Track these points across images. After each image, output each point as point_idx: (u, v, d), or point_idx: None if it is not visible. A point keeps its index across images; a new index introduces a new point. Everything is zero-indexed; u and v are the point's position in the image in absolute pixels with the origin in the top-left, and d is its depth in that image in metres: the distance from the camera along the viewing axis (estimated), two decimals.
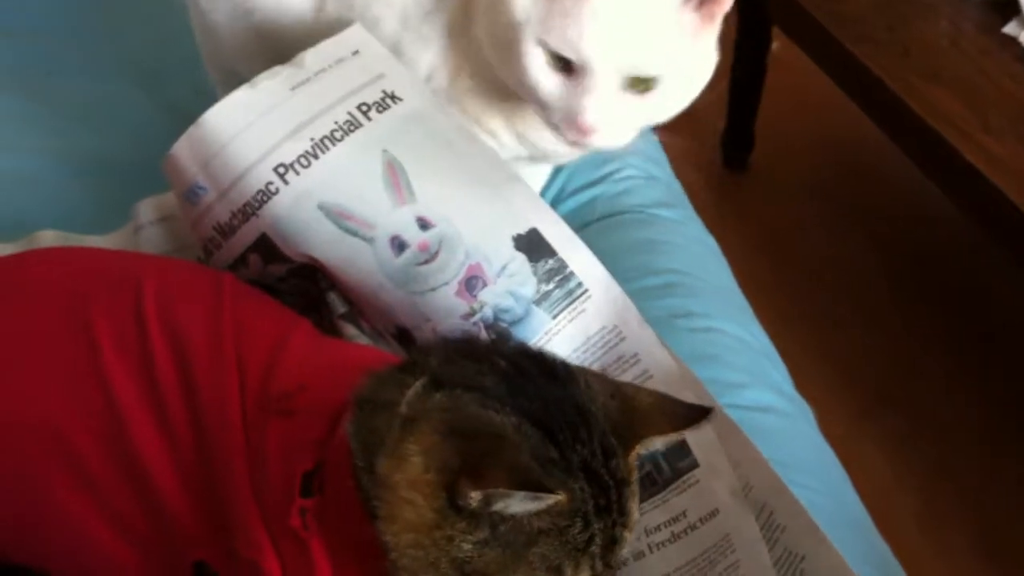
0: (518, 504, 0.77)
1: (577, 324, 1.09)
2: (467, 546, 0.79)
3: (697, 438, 1.04)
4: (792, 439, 1.16)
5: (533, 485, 0.76)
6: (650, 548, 1.01)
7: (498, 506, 0.77)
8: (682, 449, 1.04)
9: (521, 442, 0.79)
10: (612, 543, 0.83)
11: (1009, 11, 1.86)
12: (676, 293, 1.27)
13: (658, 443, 0.87)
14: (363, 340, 1.14)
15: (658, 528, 1.01)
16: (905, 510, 1.90)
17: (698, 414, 0.88)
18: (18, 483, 0.95)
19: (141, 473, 0.92)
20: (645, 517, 1.02)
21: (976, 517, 1.88)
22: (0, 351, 0.97)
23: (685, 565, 0.99)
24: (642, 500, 1.02)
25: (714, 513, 1.00)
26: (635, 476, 0.85)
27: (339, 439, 0.86)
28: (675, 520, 1.01)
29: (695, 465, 1.03)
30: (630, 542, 0.85)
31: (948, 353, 2.14)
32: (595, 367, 1.11)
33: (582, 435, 0.82)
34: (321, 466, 0.87)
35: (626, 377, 1.09)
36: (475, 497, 0.77)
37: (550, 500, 0.77)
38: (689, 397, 1.03)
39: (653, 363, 1.09)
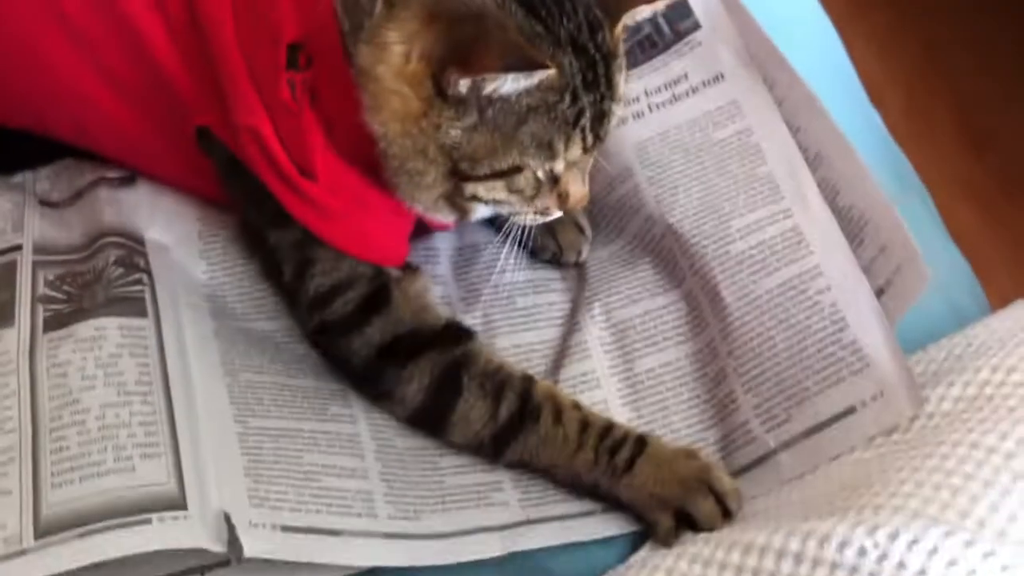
0: (509, 84, 0.77)
1: None
2: (455, 132, 0.79)
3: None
4: (791, 11, 1.13)
5: (523, 62, 0.75)
6: (649, 108, 1.02)
7: (488, 89, 0.77)
8: (684, 8, 1.02)
9: (505, 19, 0.77)
10: (601, 116, 0.83)
11: None
12: None
13: (646, 12, 0.85)
14: None
15: (658, 90, 1.02)
16: (893, 104, 1.91)
17: None
18: (13, 45, 0.94)
19: (133, 33, 0.91)
20: (644, 80, 1.02)
21: (960, 106, 1.90)
22: None
23: (685, 124, 1.00)
24: (641, 63, 1.02)
25: (718, 77, 1.01)
26: (621, 49, 0.84)
27: (325, 4, 0.84)
28: (675, 82, 1.02)
29: (697, 26, 1.02)
30: (618, 114, 0.85)
31: None
32: None
33: (567, 8, 0.80)
34: (308, 39, 0.85)
35: None
36: (464, 84, 0.76)
37: (541, 75, 0.76)
38: None
39: None
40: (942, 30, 1.98)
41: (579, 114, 0.81)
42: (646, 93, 1.02)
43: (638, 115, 1.01)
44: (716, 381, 0.93)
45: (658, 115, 1.01)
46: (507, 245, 0.92)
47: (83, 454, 0.82)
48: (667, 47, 1.02)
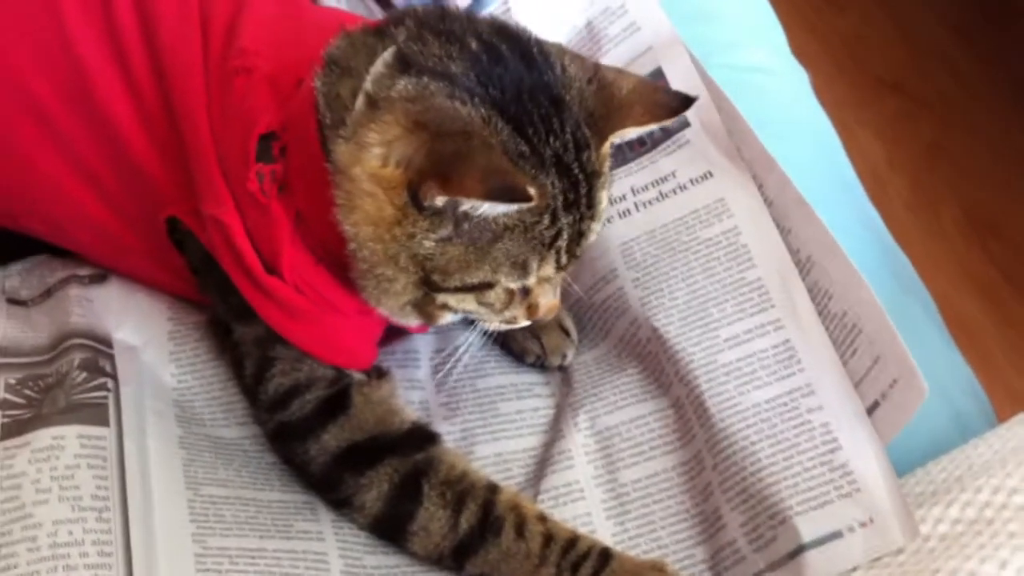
0: (488, 207, 0.74)
1: None
2: (429, 243, 0.77)
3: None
4: (784, 101, 1.12)
5: (506, 190, 0.73)
6: (636, 206, 0.99)
7: (466, 207, 0.74)
8: None
9: (491, 138, 0.75)
10: (579, 236, 0.81)
11: None
12: None
13: (633, 133, 0.83)
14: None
15: (645, 188, 0.99)
16: (896, 192, 1.89)
17: (680, 103, 0.83)
18: None
19: (109, 128, 0.90)
20: (631, 178, 0.99)
21: (964, 196, 1.88)
22: None
23: (672, 222, 0.97)
24: (628, 160, 1.00)
25: (707, 175, 0.97)
26: (607, 167, 0.82)
27: (305, 94, 0.82)
28: (663, 180, 0.99)
29: (686, 125, 0.99)
30: (597, 232, 0.83)
31: (957, 37, 2.06)
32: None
33: (554, 127, 0.77)
34: (284, 129, 0.83)
35: (612, 30, 1.04)
36: (442, 199, 0.74)
37: (522, 204, 0.74)
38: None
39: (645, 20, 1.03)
40: (949, 121, 1.97)
41: (556, 235, 0.79)
42: (633, 191, 0.99)
43: (624, 213, 0.98)
44: (703, 495, 0.88)
45: (645, 214, 0.98)
46: (485, 345, 0.88)
47: (32, 572, 0.78)
48: (655, 145, 0.99)
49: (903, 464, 0.83)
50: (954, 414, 0.93)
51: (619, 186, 0.98)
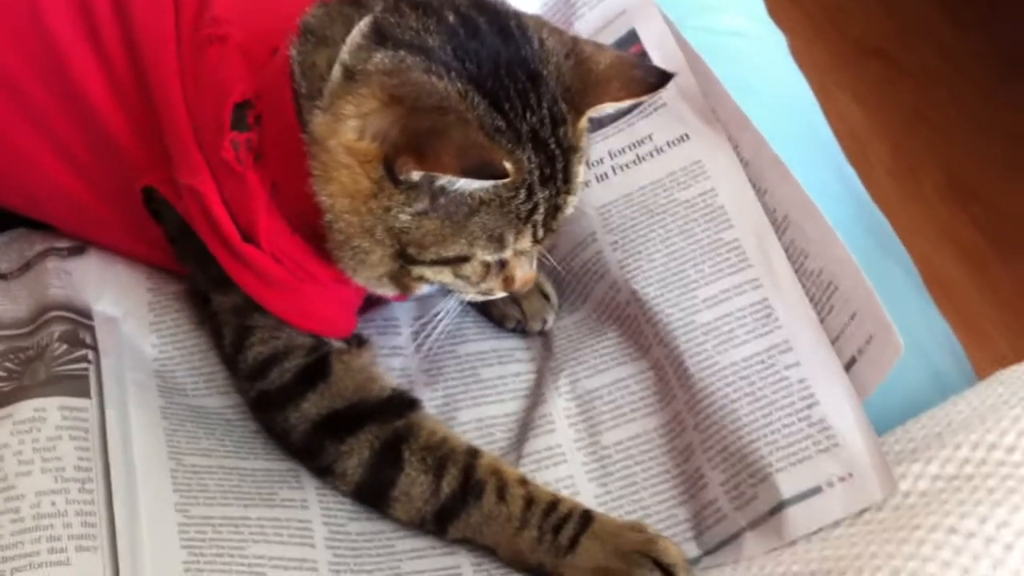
0: (463, 182, 0.74)
1: None
2: (404, 216, 0.76)
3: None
4: (760, 64, 1.12)
5: (481, 166, 0.72)
6: (613, 170, 0.99)
7: (442, 182, 0.74)
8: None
9: (467, 113, 0.75)
10: (555, 210, 0.81)
11: None
12: None
13: (610, 109, 0.83)
14: None
15: (622, 151, 0.99)
16: (877, 159, 1.89)
17: (657, 79, 0.83)
18: None
19: (81, 100, 0.89)
20: (608, 141, 0.99)
21: (946, 163, 1.88)
22: None
23: (649, 185, 0.97)
24: (605, 124, 0.99)
25: (683, 138, 0.97)
26: (584, 141, 0.82)
27: (280, 62, 0.81)
28: (640, 143, 0.99)
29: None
30: (574, 204, 0.82)
31: (941, 8, 2.06)
32: None
33: (531, 101, 0.77)
34: (259, 97, 0.83)
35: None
36: (417, 175, 0.74)
37: (498, 180, 0.74)
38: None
39: None
40: (931, 90, 1.97)
41: (532, 209, 0.79)
42: (610, 155, 0.99)
43: (602, 177, 0.98)
44: (684, 456, 0.88)
45: (622, 177, 0.98)
46: (465, 311, 0.88)
47: (15, 543, 0.78)
48: (632, 108, 0.99)
49: (883, 422, 0.84)
50: (933, 373, 0.93)
51: (596, 150, 0.98)
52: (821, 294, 0.86)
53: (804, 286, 0.88)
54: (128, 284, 0.97)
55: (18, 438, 0.83)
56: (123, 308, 0.95)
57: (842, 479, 0.80)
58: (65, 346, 0.90)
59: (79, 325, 0.92)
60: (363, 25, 0.78)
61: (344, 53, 0.77)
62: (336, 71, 0.77)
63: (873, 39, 2.04)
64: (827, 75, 1.90)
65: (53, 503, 0.80)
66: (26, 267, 0.98)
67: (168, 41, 0.87)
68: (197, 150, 0.84)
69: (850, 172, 1.11)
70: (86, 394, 0.86)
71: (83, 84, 0.89)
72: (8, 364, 0.89)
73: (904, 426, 0.83)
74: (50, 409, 0.84)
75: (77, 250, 0.98)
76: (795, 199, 0.89)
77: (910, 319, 0.88)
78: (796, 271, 0.89)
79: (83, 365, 0.88)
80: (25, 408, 0.84)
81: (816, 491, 0.81)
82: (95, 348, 0.90)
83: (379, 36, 0.77)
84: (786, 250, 0.90)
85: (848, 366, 0.83)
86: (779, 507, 0.81)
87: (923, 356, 0.92)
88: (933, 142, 1.90)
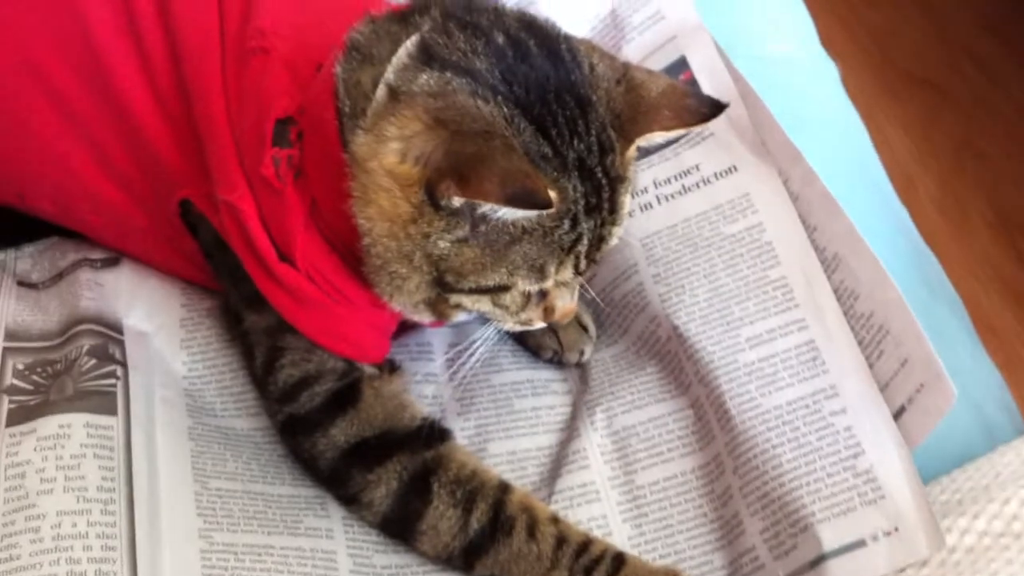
0: (507, 211, 0.72)
1: None
2: (444, 243, 0.75)
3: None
4: (812, 95, 1.09)
5: (526, 195, 0.70)
6: (658, 200, 0.96)
7: (484, 209, 0.72)
8: None
9: (512, 139, 0.73)
10: (599, 241, 0.78)
11: None
12: None
13: (660, 138, 0.81)
14: None
15: (668, 180, 0.97)
16: (925, 192, 1.86)
17: (710, 109, 0.81)
18: (4, 121, 0.91)
19: (122, 107, 0.88)
20: (654, 170, 0.97)
21: (995, 197, 1.84)
22: None
23: (694, 217, 0.95)
24: (651, 152, 0.97)
25: (731, 170, 0.95)
26: (631, 171, 0.79)
27: (324, 79, 0.80)
28: (686, 173, 0.96)
29: None
30: (618, 235, 0.80)
31: (991, 35, 2.02)
32: None
33: (579, 128, 0.75)
34: (301, 113, 0.81)
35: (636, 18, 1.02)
36: (459, 201, 0.72)
37: (541, 209, 0.72)
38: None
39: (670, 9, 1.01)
40: (980, 120, 1.93)
41: (576, 240, 0.77)
42: (655, 184, 0.96)
43: (646, 207, 0.96)
44: (723, 500, 0.86)
45: (667, 207, 0.96)
46: (501, 340, 0.86)
47: (34, 564, 0.77)
48: (679, 137, 0.96)
49: (928, 471, 0.81)
50: (982, 421, 0.90)
51: (641, 179, 0.96)
52: (871, 338, 0.84)
53: (853, 329, 0.85)
54: (161, 299, 0.96)
55: (41, 455, 0.82)
56: (155, 323, 0.94)
57: (887, 533, 0.77)
58: (94, 360, 0.88)
59: (109, 339, 0.91)
60: (410, 44, 0.76)
61: (389, 73, 0.76)
62: (381, 91, 0.75)
63: (922, 68, 2.00)
64: (875, 104, 1.87)
65: (74, 524, 0.78)
66: (58, 277, 0.97)
67: (212, 52, 0.86)
68: (237, 165, 0.83)
69: (900, 208, 1.08)
70: (113, 411, 0.85)
71: (126, 93, 0.88)
72: (35, 377, 0.88)
73: (951, 475, 0.81)
74: (75, 426, 0.83)
75: (111, 262, 0.97)
76: (846, 237, 0.87)
77: (959, 364, 0.85)
78: (845, 313, 0.86)
79: (111, 381, 0.87)
80: (50, 424, 0.83)
81: (860, 544, 0.78)
82: (124, 364, 0.89)
83: (426, 56, 0.76)
84: (835, 291, 0.87)
85: (897, 415, 0.80)
86: (820, 559, 0.79)
87: (971, 403, 0.89)
88: (981, 175, 1.87)
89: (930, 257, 1.04)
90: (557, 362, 0.97)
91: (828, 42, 1.20)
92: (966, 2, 2.07)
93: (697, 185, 0.95)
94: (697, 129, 0.89)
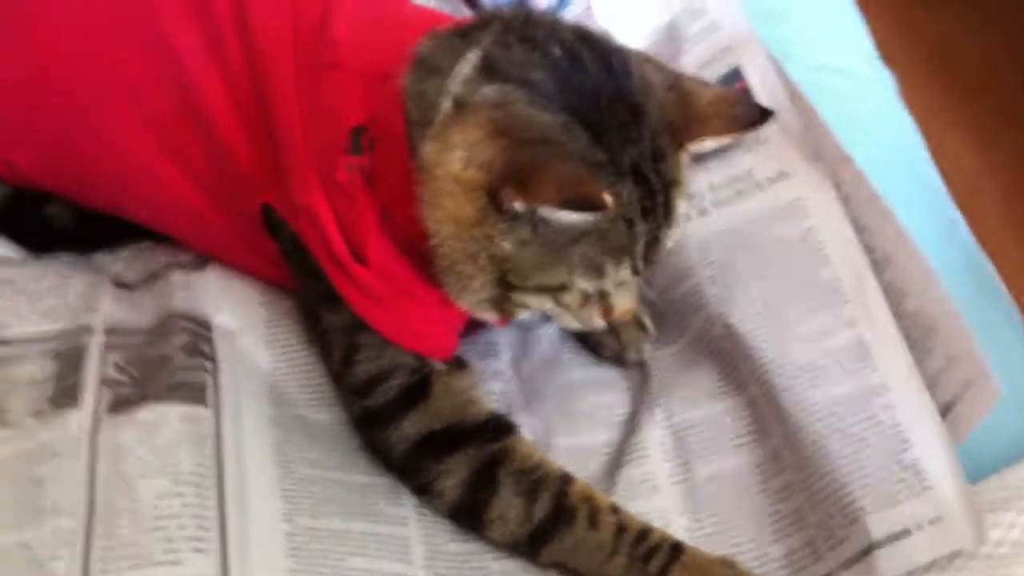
0: (564, 214, 0.77)
1: None
2: (506, 244, 0.79)
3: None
4: (867, 104, 1.11)
5: (581, 199, 0.75)
6: (713, 204, 1.00)
7: (543, 213, 0.77)
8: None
9: (569, 145, 0.77)
10: (654, 242, 0.83)
11: None
12: None
13: (711, 144, 0.85)
14: None
15: (722, 185, 1.00)
16: (991, 203, 1.85)
17: (758, 117, 0.85)
18: (88, 123, 0.97)
19: (201, 111, 0.94)
20: (709, 174, 1.01)
21: None
22: None
23: (748, 221, 0.98)
24: (706, 157, 1.00)
25: (784, 175, 0.99)
26: (685, 175, 0.83)
27: (393, 90, 0.85)
28: (740, 178, 1.00)
29: None
30: (675, 238, 0.84)
31: None
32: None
33: (633, 135, 0.79)
34: (373, 123, 0.87)
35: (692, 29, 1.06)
36: (519, 205, 0.77)
37: (597, 212, 0.76)
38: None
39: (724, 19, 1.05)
40: None
41: (632, 241, 0.81)
42: (710, 188, 1.00)
43: (702, 212, 1.00)
44: (782, 495, 0.89)
45: (721, 211, 0.99)
46: (563, 340, 0.89)
47: (133, 543, 0.82)
48: (732, 143, 0.99)
49: (979, 470, 0.83)
50: None
51: (696, 183, 0.99)
52: (919, 336, 0.87)
53: (901, 327, 0.88)
54: (245, 299, 1.01)
55: (139, 441, 0.87)
56: (240, 322, 0.99)
57: (931, 522, 0.80)
58: (186, 355, 0.94)
59: (199, 336, 0.96)
60: (473, 58, 0.81)
61: (454, 85, 0.81)
62: (446, 102, 0.80)
63: (988, 78, 2.00)
64: (942, 115, 1.87)
65: (170, 505, 0.84)
66: (151, 278, 1.03)
67: (287, 62, 0.91)
68: (313, 171, 0.88)
69: (956, 216, 1.09)
70: (204, 402, 0.91)
71: (205, 98, 0.93)
72: (132, 370, 0.94)
73: (1000, 474, 0.83)
74: (170, 415, 0.89)
75: (199, 264, 1.03)
76: (895, 238, 0.90)
77: (1011, 366, 0.87)
78: (894, 311, 0.89)
79: (202, 375, 0.93)
80: (148, 413, 0.89)
81: (906, 533, 0.81)
82: (214, 359, 0.95)
83: (488, 69, 0.81)
84: (884, 289, 0.90)
85: (944, 410, 0.83)
86: (869, 548, 0.82)
87: (1021, 404, 0.91)
88: None
89: (986, 264, 1.06)
90: (617, 360, 1.01)
91: (889, 53, 1.22)
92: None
93: (751, 189, 0.99)
94: (748, 135, 0.93)
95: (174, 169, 0.96)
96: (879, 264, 0.91)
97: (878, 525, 0.82)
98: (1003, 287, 1.05)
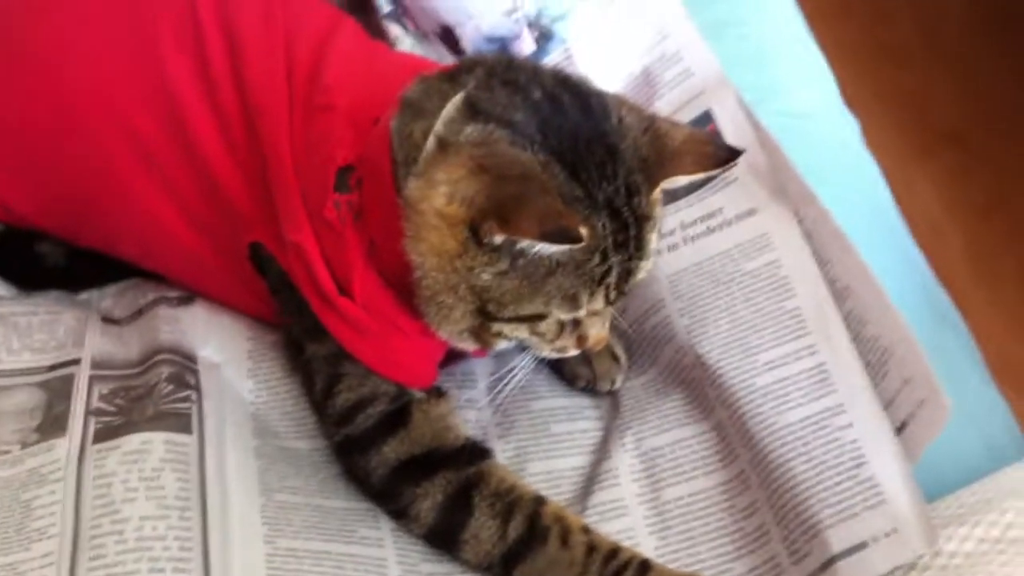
0: (543, 246, 0.80)
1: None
2: (486, 276, 0.83)
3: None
4: (831, 147, 1.16)
5: (559, 232, 0.78)
6: (684, 240, 1.04)
7: (522, 245, 0.80)
8: None
9: (548, 181, 0.81)
10: (627, 274, 0.86)
11: None
12: None
13: (683, 181, 0.88)
14: (407, 41, 1.15)
15: (694, 223, 1.04)
16: (954, 245, 1.90)
17: (727, 155, 0.88)
18: (89, 163, 1.01)
19: (198, 153, 0.97)
20: (681, 213, 1.05)
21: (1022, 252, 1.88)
22: (71, 43, 1.01)
23: (717, 255, 1.02)
24: (679, 197, 1.05)
25: (751, 211, 1.03)
26: (657, 211, 0.87)
27: (381, 131, 0.89)
28: (711, 216, 1.04)
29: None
30: (647, 270, 0.88)
31: (1019, 90, 2.08)
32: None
33: (608, 172, 0.83)
34: (361, 162, 0.90)
35: (667, 75, 1.11)
36: (500, 237, 0.80)
37: (574, 245, 0.80)
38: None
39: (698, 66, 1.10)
40: (1010, 177, 1.98)
41: (606, 272, 0.84)
42: (682, 226, 1.04)
43: (672, 247, 1.04)
44: (747, 512, 0.92)
45: (692, 247, 1.03)
46: (538, 368, 0.92)
47: (119, 563, 0.84)
48: (702, 181, 1.03)
49: (936, 490, 0.87)
50: (987, 444, 0.95)
51: (669, 221, 1.04)
52: (877, 359, 0.91)
53: (861, 352, 0.92)
54: (231, 333, 1.04)
55: (125, 467, 0.90)
56: (225, 355, 1.02)
57: (887, 534, 0.83)
58: (172, 386, 0.97)
59: (185, 368, 0.99)
60: (457, 100, 0.84)
61: (439, 125, 0.84)
62: (431, 142, 0.84)
63: (953, 124, 2.05)
64: (905, 159, 1.93)
65: (154, 527, 0.86)
66: (138, 314, 1.06)
67: (281, 105, 0.95)
68: (302, 209, 0.91)
69: (916, 254, 1.14)
70: (188, 430, 0.93)
71: (203, 144, 0.97)
72: (119, 401, 0.97)
73: (956, 493, 0.86)
74: (156, 442, 0.91)
75: (186, 300, 1.06)
76: (855, 270, 0.94)
77: (967, 391, 0.91)
78: (854, 338, 0.93)
79: (187, 404, 0.96)
80: (133, 441, 0.92)
81: (862, 546, 0.84)
82: (198, 390, 0.97)
83: (471, 110, 0.84)
84: (845, 318, 0.94)
85: (900, 428, 0.87)
86: (829, 562, 0.85)
87: (977, 427, 0.95)
88: (1010, 231, 1.91)
89: (943, 296, 1.10)
90: (590, 390, 1.04)
91: (856, 99, 1.27)
92: (997, 60, 2.13)
93: (720, 226, 1.03)
94: (718, 174, 0.97)
95: (169, 207, 0.99)
96: (840, 294, 0.95)
97: (838, 538, 0.85)
98: (958, 316, 1.10)
